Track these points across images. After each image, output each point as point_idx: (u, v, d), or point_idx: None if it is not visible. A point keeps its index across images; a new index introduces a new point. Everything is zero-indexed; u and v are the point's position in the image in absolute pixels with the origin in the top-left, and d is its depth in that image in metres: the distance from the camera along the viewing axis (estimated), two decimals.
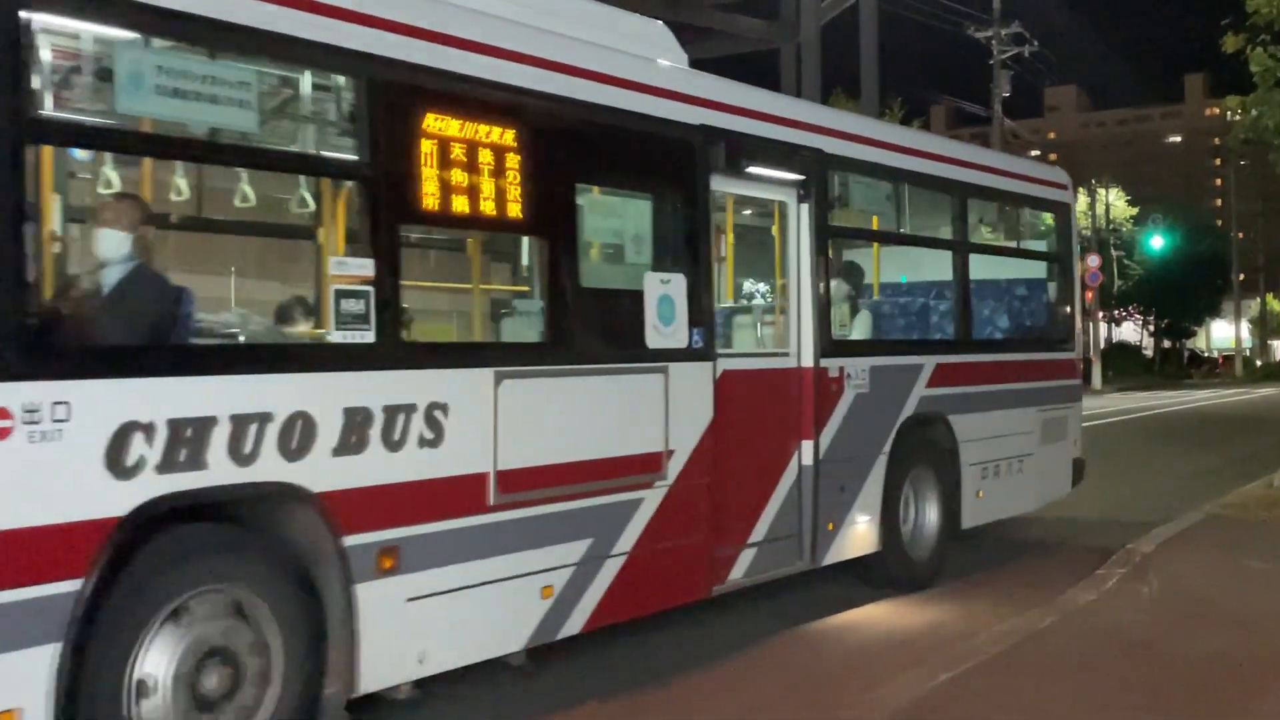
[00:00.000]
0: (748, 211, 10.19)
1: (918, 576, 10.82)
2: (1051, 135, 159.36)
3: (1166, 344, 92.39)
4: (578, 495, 7.56)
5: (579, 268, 7.74)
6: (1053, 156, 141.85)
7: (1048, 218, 13.58)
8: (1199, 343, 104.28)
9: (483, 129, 7.06)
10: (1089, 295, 60.10)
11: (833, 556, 9.88)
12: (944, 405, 11.10)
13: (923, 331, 11.73)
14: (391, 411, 6.44)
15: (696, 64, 9.35)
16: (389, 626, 6.48)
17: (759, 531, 9.20)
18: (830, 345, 9.79)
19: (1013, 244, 13.34)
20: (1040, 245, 13.70)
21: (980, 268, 12.10)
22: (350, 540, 6.27)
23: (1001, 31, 52.71)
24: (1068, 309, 13.50)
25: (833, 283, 10.39)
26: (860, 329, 10.84)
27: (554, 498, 7.39)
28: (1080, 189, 72.63)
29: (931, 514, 11.08)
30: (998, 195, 12.47)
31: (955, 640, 8.98)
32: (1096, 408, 39.54)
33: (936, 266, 11.95)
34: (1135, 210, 79.47)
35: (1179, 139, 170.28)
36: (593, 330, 7.84)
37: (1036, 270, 13.35)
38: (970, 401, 11.44)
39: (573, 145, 7.75)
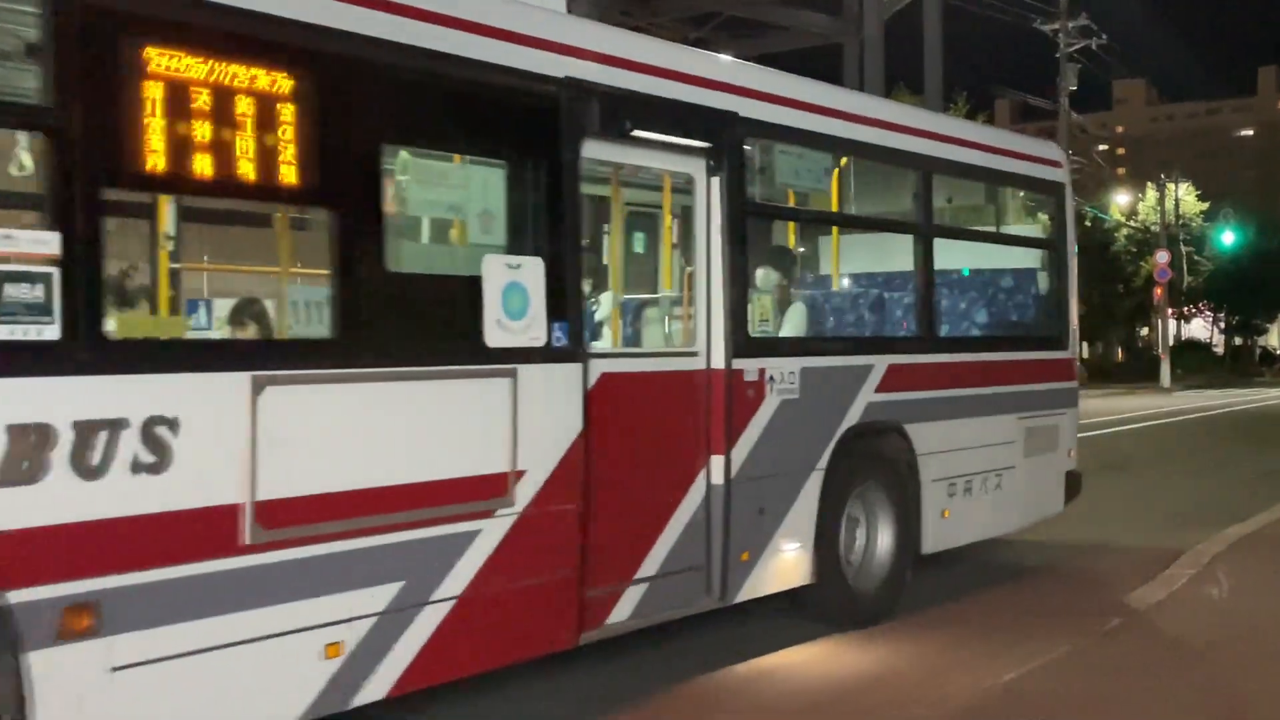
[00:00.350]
0: (645, 186, 8.72)
1: (865, 611, 9.31)
2: (1119, 129, 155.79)
3: (1237, 341, 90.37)
4: (381, 529, 6.11)
5: (385, 247, 6.25)
6: (1120, 150, 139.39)
7: (1038, 199, 11.94)
8: (1271, 340, 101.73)
9: (240, 72, 5.60)
10: (1158, 292, 59.27)
11: (749, 592, 8.39)
12: (899, 412, 9.57)
13: (875, 328, 10.14)
14: (86, 429, 5.01)
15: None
16: (84, 703, 5.06)
17: (650, 565, 7.74)
18: (747, 343, 8.31)
19: (991, 228, 11.73)
20: (1029, 230, 12.07)
21: (950, 255, 10.59)
22: (20, 596, 4.85)
23: (1068, 24, 52.06)
24: (1061, 303, 11.85)
25: (758, 271, 8.95)
26: (792, 325, 9.33)
27: (344, 533, 5.95)
28: (1149, 184, 71.33)
29: (884, 538, 9.57)
30: (972, 172, 10.86)
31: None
32: (1164, 406, 40.17)
33: (893, 253, 10.42)
34: (1205, 205, 77.60)
35: (1251, 132, 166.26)
36: (404, 325, 6.38)
37: (1023, 259, 11.73)
38: (932, 408, 9.90)
39: (377, 98, 6.29)
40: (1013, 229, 11.92)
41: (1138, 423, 32.23)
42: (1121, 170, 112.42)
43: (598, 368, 7.31)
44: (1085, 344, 72.42)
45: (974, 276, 11.22)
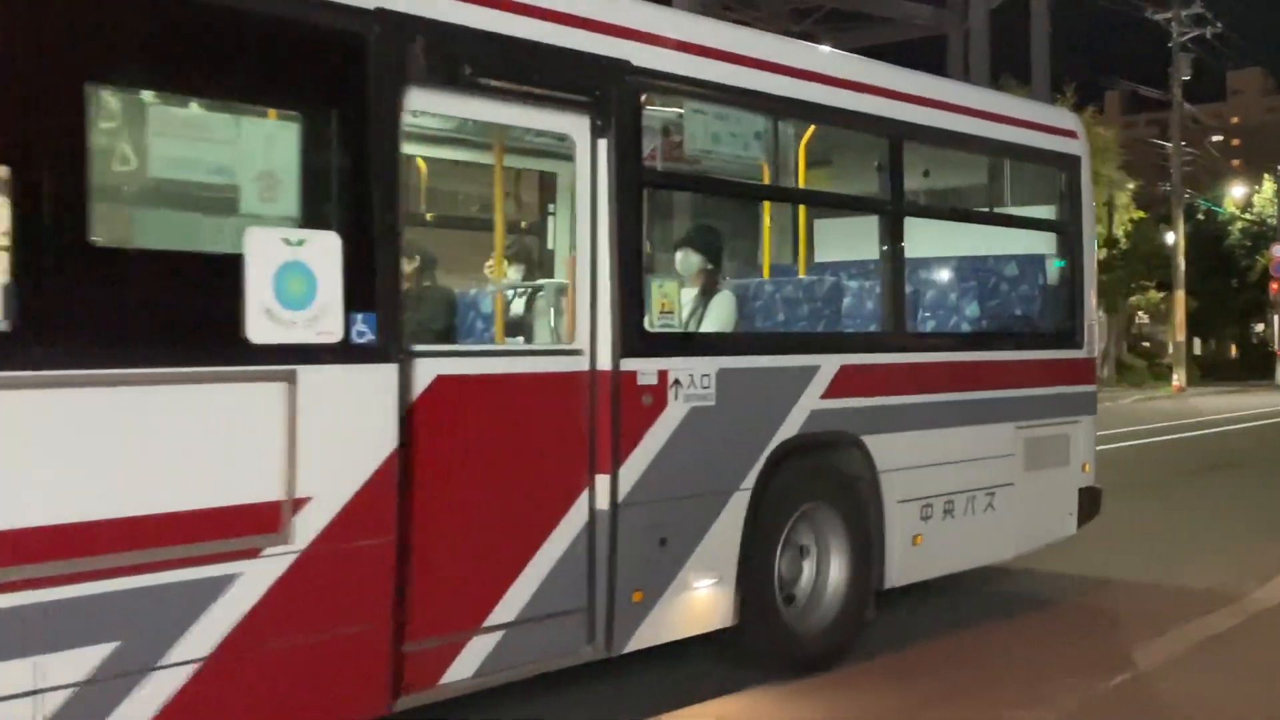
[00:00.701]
0: (516, 149, 7.30)
1: (810, 655, 7.88)
2: (1235, 120, 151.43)
3: None
4: (83, 576, 4.80)
5: (87, 215, 4.89)
6: (1235, 142, 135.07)
7: (1048, 174, 10.30)
8: None
9: None
10: (1274, 287, 57.11)
11: (644, 638, 6.98)
12: (854, 422, 8.09)
13: (825, 322, 8.62)
14: None
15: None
16: None
17: (507, 609, 6.36)
18: (643, 340, 6.90)
19: (984, 207, 10.16)
20: (1035, 210, 10.37)
21: (930, 239, 9.11)
22: None
23: (1181, 13, 50.92)
24: (1075, 295, 10.20)
25: (677, 254, 7.55)
26: (715, 318, 7.89)
27: (22, 582, 4.64)
28: (1266, 175, 68.84)
29: (836, 569, 8.10)
30: (958, 140, 9.24)
31: None
32: (1276, 405, 39.73)
33: (855, 236, 8.95)
34: None
35: None
36: (119, 315, 5.03)
37: (1028, 243, 10.11)
38: (899, 416, 8.40)
39: (83, 25, 4.96)
40: (1014, 208, 10.34)
41: (1247, 421, 31.67)
42: (1236, 162, 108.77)
43: (428, 369, 5.95)
44: (1197, 340, 70.38)
45: (960, 264, 9.65)
